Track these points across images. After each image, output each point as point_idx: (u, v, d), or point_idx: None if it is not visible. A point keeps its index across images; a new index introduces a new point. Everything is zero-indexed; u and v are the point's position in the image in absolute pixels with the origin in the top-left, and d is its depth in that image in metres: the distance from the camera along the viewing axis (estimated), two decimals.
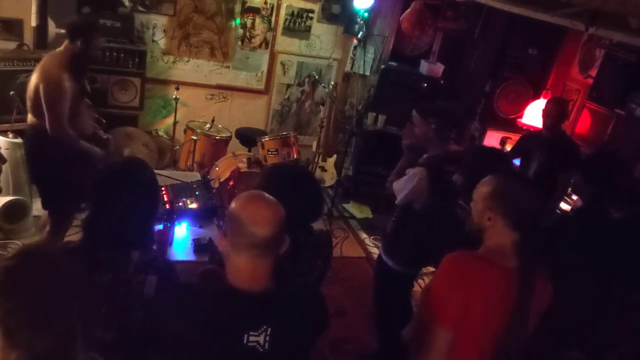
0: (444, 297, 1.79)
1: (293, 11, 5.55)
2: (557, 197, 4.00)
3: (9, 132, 3.92)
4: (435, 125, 2.95)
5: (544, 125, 3.92)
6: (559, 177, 3.89)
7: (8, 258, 1.23)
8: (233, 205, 1.54)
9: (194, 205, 3.26)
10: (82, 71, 3.26)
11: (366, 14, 5.40)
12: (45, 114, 3.11)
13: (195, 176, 3.87)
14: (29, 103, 3.22)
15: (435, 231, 2.96)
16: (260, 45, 5.59)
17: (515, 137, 4.71)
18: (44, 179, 3.38)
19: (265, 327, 1.50)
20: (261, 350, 1.50)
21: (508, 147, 4.89)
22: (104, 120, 3.69)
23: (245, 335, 1.48)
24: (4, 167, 3.84)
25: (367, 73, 5.75)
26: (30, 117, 3.27)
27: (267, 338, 1.50)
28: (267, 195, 1.58)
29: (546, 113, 3.86)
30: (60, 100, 3.10)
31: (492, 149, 3.73)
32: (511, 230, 1.79)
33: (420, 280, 4.04)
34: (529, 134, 4.42)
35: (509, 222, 1.79)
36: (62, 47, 3.22)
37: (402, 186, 2.98)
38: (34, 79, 3.15)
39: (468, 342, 1.78)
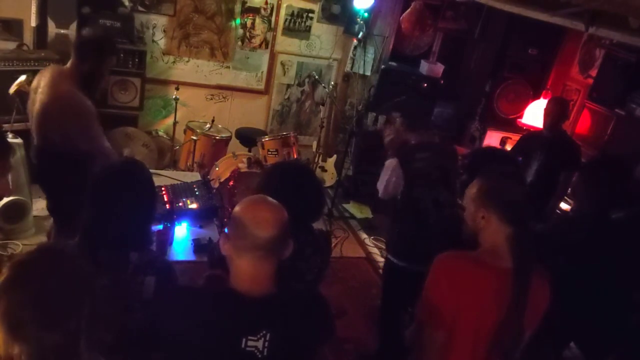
0: (436, 299, 1.79)
1: (293, 11, 5.55)
2: (557, 197, 3.99)
3: (8, 132, 3.92)
4: (400, 117, 3.09)
5: (544, 124, 3.92)
6: (560, 177, 3.89)
7: (24, 254, 1.25)
8: (236, 208, 1.55)
9: (194, 206, 3.25)
10: (93, 89, 3.10)
11: (366, 14, 5.40)
12: (86, 141, 2.98)
13: (195, 176, 3.87)
14: (38, 127, 3.02)
15: (420, 221, 3.00)
16: (260, 46, 5.59)
17: (515, 137, 4.71)
18: (60, 201, 3.17)
19: (264, 332, 1.48)
20: (259, 355, 1.48)
21: (508, 147, 4.89)
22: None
23: (244, 340, 1.47)
24: None
25: (367, 73, 5.74)
26: (39, 141, 3.09)
27: (266, 344, 1.48)
28: (270, 198, 1.58)
29: (547, 113, 3.86)
30: (94, 123, 2.99)
31: (494, 150, 3.72)
32: (505, 225, 1.79)
33: None
34: (530, 134, 4.42)
35: (502, 216, 1.79)
36: (69, 66, 3.03)
37: (380, 180, 3.09)
38: (50, 107, 2.94)
39: (462, 343, 1.78)
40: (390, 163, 3.04)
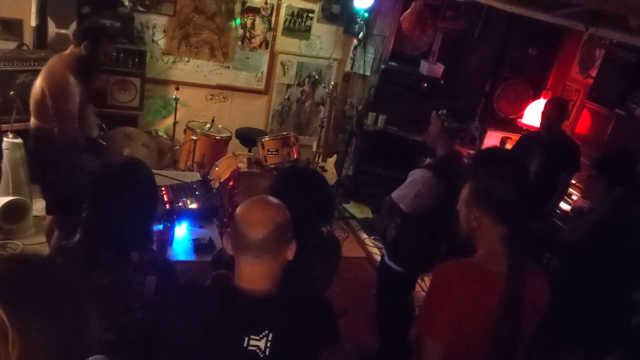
0: (436, 310, 1.76)
1: (293, 11, 5.54)
2: (557, 197, 4.00)
3: (9, 132, 3.92)
4: (447, 119, 2.85)
5: (541, 125, 3.93)
6: (559, 177, 3.89)
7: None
8: (237, 208, 1.56)
9: (194, 205, 3.25)
10: (88, 75, 3.22)
11: (366, 14, 5.40)
12: (53, 116, 3.09)
13: (195, 176, 3.86)
14: (32, 105, 3.19)
15: (428, 232, 2.95)
16: (260, 46, 5.59)
17: (515, 137, 4.71)
18: (49, 182, 3.32)
19: (266, 331, 1.48)
20: (261, 355, 1.47)
21: (508, 147, 4.88)
22: (104, 126, 3.70)
23: (246, 339, 1.47)
24: (5, 167, 3.84)
25: (367, 73, 5.74)
26: (33, 120, 3.25)
27: (268, 343, 1.47)
28: (270, 198, 1.57)
29: (543, 113, 3.87)
30: (68, 102, 3.08)
31: (497, 151, 3.70)
32: (498, 226, 1.76)
33: (422, 283, 4.04)
34: (530, 134, 4.42)
35: (493, 216, 1.77)
36: (67, 50, 3.20)
37: (406, 192, 2.87)
38: (39, 82, 3.13)
39: (464, 352, 1.75)
40: (421, 176, 2.82)
